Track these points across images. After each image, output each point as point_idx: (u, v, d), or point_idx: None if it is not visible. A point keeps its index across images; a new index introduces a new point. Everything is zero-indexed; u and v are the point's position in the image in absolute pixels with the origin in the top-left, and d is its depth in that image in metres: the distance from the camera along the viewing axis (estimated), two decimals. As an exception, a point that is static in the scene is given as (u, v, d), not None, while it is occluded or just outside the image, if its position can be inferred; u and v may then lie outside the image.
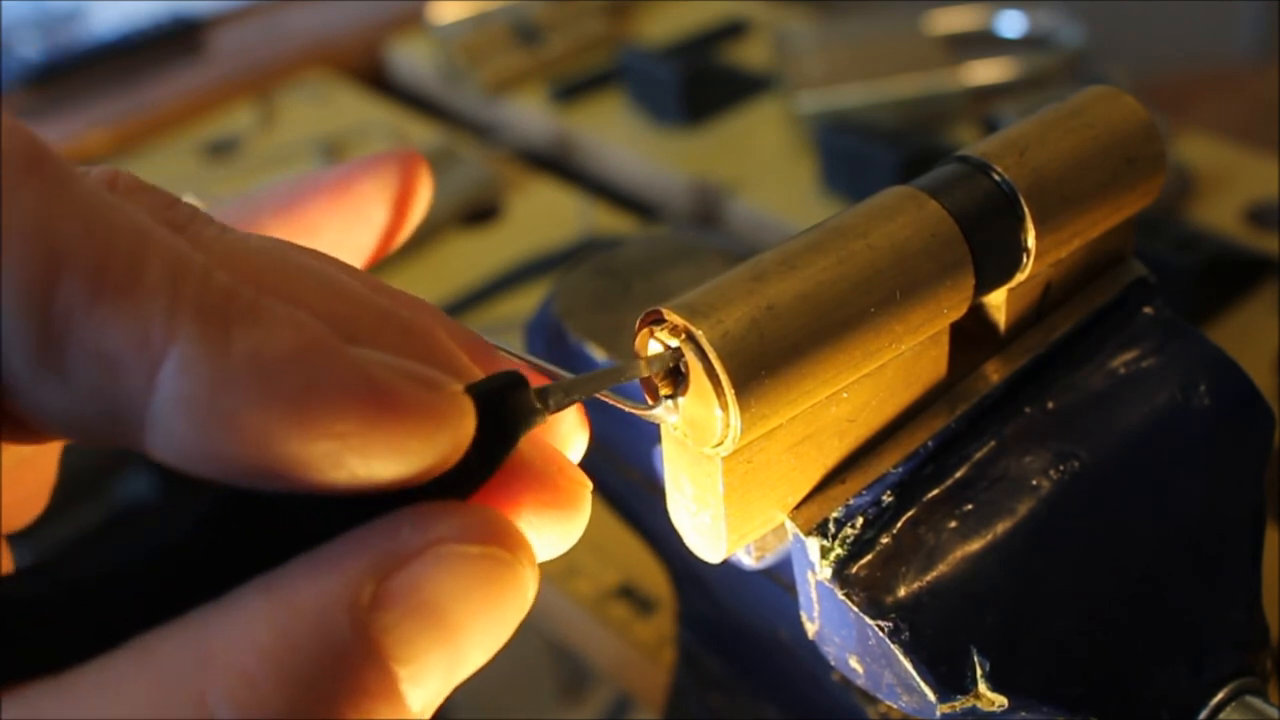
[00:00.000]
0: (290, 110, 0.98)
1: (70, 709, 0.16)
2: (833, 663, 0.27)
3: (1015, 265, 0.27)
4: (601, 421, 0.29)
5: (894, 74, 0.84)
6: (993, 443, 0.27)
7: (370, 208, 0.27)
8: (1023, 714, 0.26)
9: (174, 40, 1.06)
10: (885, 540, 0.26)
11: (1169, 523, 0.28)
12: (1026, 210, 0.27)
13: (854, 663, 0.26)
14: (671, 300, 0.23)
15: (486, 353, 0.23)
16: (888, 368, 0.26)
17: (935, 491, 0.27)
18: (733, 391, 0.23)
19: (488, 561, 0.18)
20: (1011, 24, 0.92)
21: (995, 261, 0.27)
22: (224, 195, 0.85)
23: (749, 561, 0.28)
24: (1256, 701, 0.28)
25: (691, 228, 0.82)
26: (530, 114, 0.95)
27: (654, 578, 0.54)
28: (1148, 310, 0.30)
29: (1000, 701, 0.25)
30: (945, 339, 0.27)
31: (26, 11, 1.12)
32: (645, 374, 0.24)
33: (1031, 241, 0.27)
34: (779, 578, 0.31)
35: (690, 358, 0.23)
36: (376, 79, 1.06)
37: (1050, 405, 0.28)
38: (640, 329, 0.24)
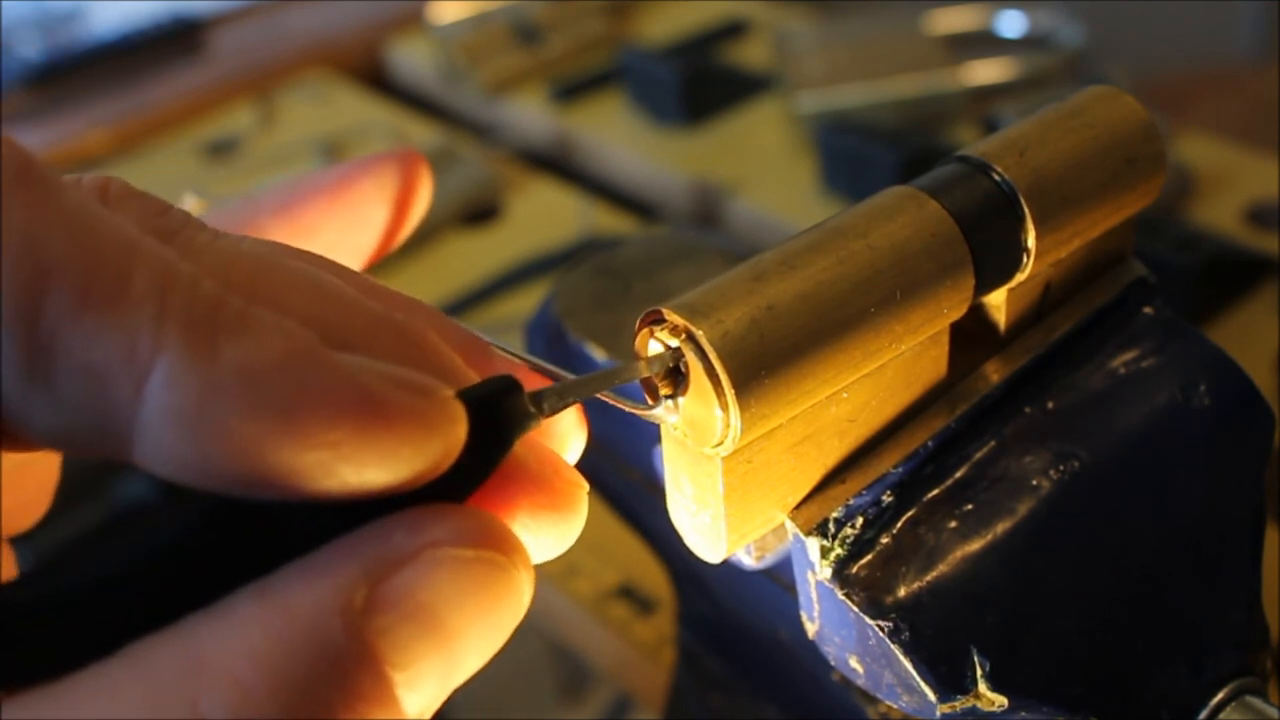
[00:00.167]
0: (290, 110, 0.98)
1: (67, 714, 0.16)
2: (833, 663, 0.27)
3: (1015, 265, 0.27)
4: (601, 421, 0.29)
5: (894, 74, 0.84)
6: (993, 443, 0.27)
7: (370, 208, 0.27)
8: (1023, 714, 0.26)
9: (174, 40, 1.06)
10: (885, 540, 0.26)
11: (1169, 523, 0.28)
12: (1026, 210, 0.27)
13: (854, 663, 0.26)
14: (671, 300, 0.23)
15: (483, 354, 0.23)
16: (888, 368, 0.26)
17: (935, 491, 0.27)
18: (733, 391, 0.23)
19: (482, 565, 0.18)
20: (1011, 24, 0.92)
21: (995, 261, 0.27)
22: (224, 195, 0.85)
23: (749, 561, 0.28)
24: (1256, 701, 0.28)
25: (691, 228, 0.82)
26: (530, 114, 0.95)
27: (654, 578, 0.54)
28: (1148, 310, 0.30)
29: (1000, 701, 0.25)
30: (945, 339, 0.27)
31: (26, 11, 1.12)
32: (645, 374, 0.24)
33: (1031, 241, 0.27)
34: (779, 578, 0.31)
35: (690, 358, 0.23)
36: (376, 79, 1.06)
37: (1050, 405, 0.28)
38: (640, 329, 0.24)
